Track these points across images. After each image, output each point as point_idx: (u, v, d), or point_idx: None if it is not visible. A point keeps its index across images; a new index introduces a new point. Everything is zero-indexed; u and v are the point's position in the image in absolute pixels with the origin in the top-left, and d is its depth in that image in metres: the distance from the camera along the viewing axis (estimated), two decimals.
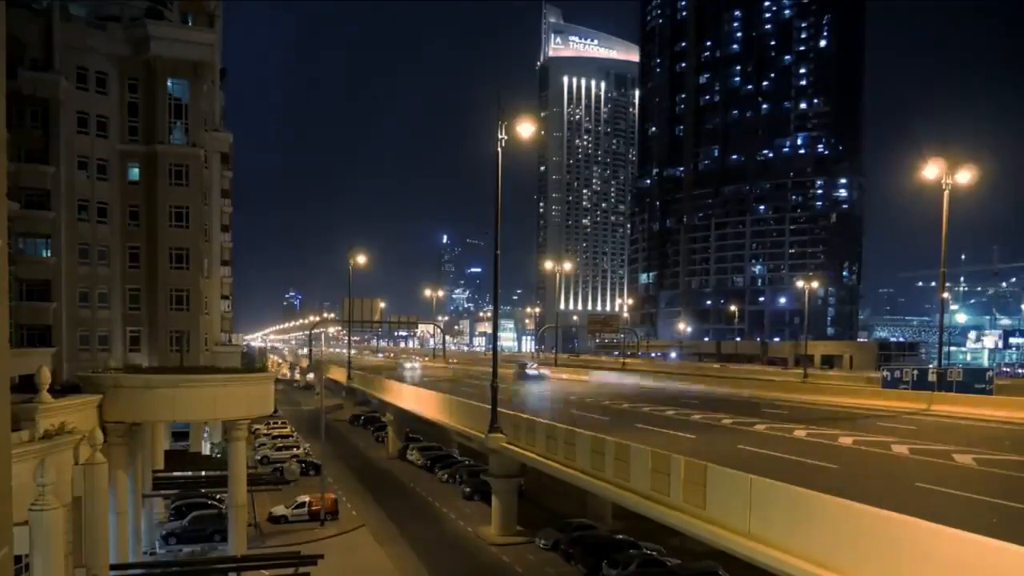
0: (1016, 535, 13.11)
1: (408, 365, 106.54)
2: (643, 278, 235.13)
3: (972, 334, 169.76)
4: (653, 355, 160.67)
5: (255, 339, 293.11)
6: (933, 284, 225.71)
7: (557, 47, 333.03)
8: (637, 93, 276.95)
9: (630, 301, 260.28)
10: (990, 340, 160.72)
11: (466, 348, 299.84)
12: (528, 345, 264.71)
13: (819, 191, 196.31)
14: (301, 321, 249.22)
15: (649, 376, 75.80)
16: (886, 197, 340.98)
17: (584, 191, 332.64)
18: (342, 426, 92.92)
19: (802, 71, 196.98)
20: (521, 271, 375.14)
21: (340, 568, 34.72)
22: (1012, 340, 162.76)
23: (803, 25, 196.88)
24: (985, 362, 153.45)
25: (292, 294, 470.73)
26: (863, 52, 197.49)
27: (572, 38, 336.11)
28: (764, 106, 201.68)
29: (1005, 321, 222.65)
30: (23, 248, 45.88)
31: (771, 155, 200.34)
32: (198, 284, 52.11)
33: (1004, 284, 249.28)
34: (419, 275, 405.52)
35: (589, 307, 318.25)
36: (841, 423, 37.86)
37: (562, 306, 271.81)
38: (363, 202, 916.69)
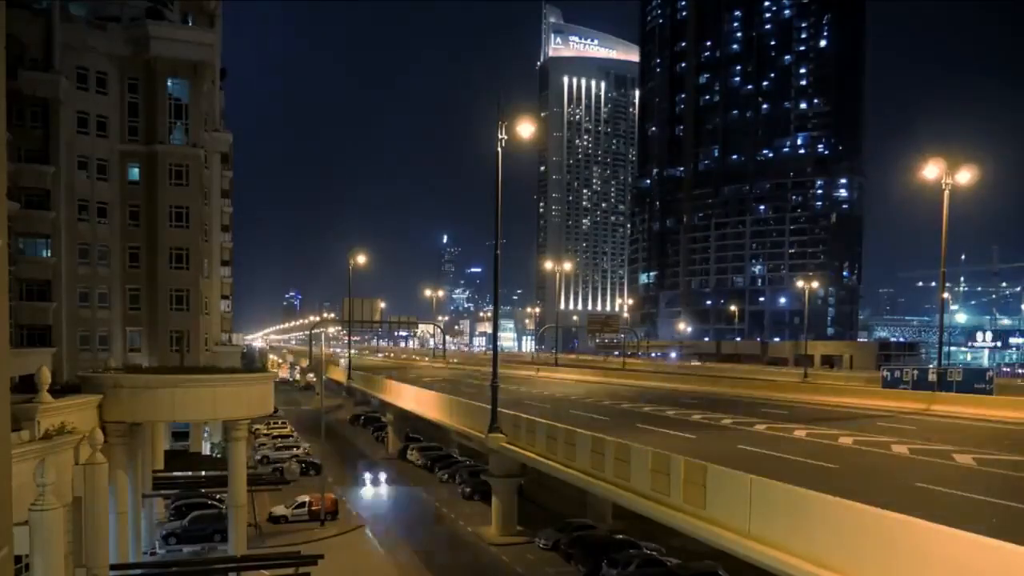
0: (1016, 535, 13.11)
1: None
2: (643, 278, 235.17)
3: (978, 335, 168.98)
4: (653, 355, 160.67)
5: (255, 339, 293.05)
6: (933, 284, 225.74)
7: (557, 47, 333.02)
8: (637, 93, 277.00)
9: (630, 301, 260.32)
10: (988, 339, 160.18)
11: (466, 348, 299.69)
12: (528, 345, 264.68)
13: (819, 191, 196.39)
14: (301, 321, 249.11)
15: (649, 376, 75.77)
16: (886, 197, 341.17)
17: (584, 191, 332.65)
18: (342, 426, 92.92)
19: (802, 71, 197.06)
20: (521, 271, 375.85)
21: (340, 568, 34.71)
22: (1012, 340, 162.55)
23: (803, 25, 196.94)
24: (985, 362, 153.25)
25: (292, 294, 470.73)
26: (863, 52, 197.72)
27: (572, 38, 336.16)
28: (764, 106, 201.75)
29: (1005, 321, 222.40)
30: (23, 248, 45.87)
31: (771, 155, 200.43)
32: (198, 284, 52.11)
33: (1004, 284, 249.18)
34: (419, 275, 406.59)
35: (589, 307, 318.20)
36: (841, 423, 37.83)
37: (562, 306, 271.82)
38: (363, 202, 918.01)
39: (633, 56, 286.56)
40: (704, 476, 20.88)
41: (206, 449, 56.03)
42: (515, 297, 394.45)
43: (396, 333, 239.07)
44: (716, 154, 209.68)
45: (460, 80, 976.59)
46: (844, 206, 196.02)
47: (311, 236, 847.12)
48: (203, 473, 44.26)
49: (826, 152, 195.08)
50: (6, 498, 11.94)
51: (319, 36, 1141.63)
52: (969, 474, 24.33)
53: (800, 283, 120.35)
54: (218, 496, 41.50)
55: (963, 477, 23.58)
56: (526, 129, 36.39)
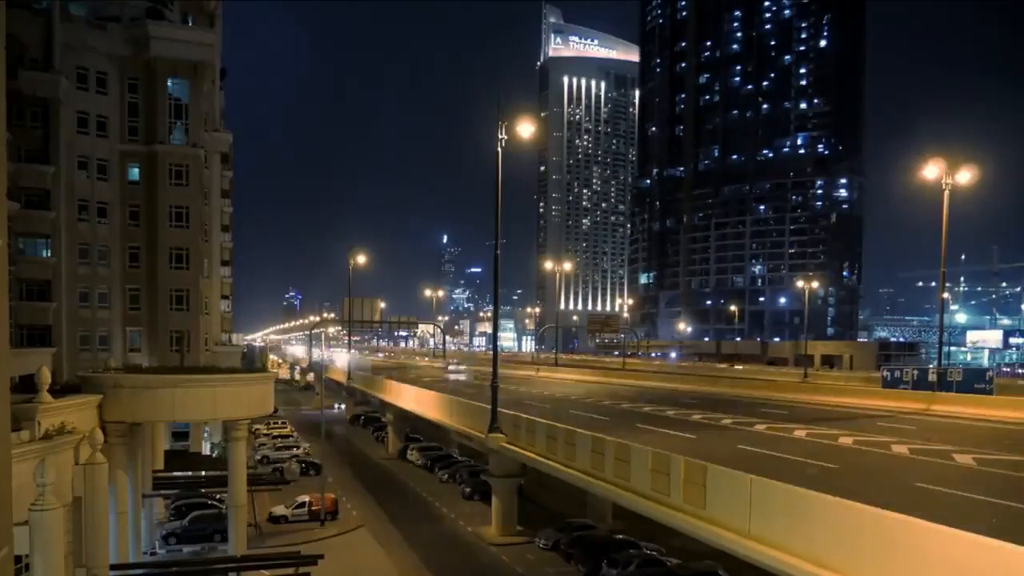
0: (1016, 535, 13.11)
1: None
2: (643, 278, 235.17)
3: (976, 334, 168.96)
4: (653, 355, 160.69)
5: (255, 339, 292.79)
6: (933, 284, 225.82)
7: (557, 47, 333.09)
8: (637, 93, 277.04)
9: (630, 301, 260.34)
10: (992, 338, 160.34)
11: (466, 348, 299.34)
12: (528, 345, 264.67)
13: (819, 191, 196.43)
14: (301, 321, 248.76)
15: (649, 376, 75.80)
16: (886, 197, 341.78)
17: (584, 191, 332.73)
18: (342, 426, 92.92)
19: (802, 71, 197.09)
20: (521, 271, 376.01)
21: (340, 568, 34.72)
22: (1012, 340, 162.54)
23: (803, 25, 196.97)
24: (985, 362, 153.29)
25: (292, 294, 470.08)
26: (863, 52, 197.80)
27: (572, 38, 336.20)
28: (764, 106, 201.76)
29: (1005, 321, 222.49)
30: (23, 248, 45.85)
31: (771, 155, 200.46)
32: (198, 284, 52.10)
33: (1004, 284, 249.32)
34: (419, 275, 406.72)
35: (589, 307, 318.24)
36: (841, 423, 37.84)
37: (562, 306, 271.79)
38: (363, 202, 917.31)
39: (633, 56, 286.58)
40: (704, 476, 20.88)
41: (206, 449, 56.03)
42: (515, 297, 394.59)
43: (396, 333, 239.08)
44: (716, 154, 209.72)
45: (460, 80, 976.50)
46: (844, 206, 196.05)
47: (311, 236, 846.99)
48: (203, 473, 44.26)
49: (826, 152, 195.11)
50: (6, 498, 11.94)
51: (319, 36, 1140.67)
52: (969, 474, 24.33)
53: (800, 283, 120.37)
54: (218, 496, 41.51)
55: (963, 477, 23.59)
56: (526, 129, 36.41)
